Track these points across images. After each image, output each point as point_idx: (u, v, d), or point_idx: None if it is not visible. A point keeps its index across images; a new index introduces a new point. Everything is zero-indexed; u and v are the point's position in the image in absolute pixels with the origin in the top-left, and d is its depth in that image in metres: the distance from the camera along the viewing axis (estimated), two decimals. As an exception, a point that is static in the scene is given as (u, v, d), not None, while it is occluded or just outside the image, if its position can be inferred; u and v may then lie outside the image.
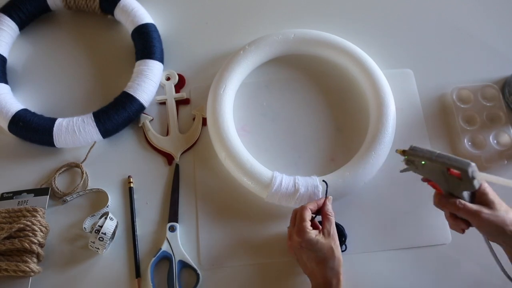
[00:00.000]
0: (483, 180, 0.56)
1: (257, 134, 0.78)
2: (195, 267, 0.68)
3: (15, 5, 0.81)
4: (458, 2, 0.90)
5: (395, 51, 0.85)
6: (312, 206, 0.65)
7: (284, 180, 0.69)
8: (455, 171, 0.56)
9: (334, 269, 0.60)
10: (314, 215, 0.66)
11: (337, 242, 0.62)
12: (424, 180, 0.62)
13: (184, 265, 0.68)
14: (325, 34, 0.81)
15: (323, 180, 0.69)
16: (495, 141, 0.76)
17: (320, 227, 0.63)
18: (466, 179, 0.55)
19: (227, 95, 0.76)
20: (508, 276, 0.59)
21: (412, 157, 0.60)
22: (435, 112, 0.80)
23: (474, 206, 0.57)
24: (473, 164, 0.55)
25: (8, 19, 0.80)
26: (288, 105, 0.80)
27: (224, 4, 0.90)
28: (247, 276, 0.68)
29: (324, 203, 0.65)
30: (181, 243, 0.69)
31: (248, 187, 0.71)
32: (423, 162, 0.59)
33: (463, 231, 0.60)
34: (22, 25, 0.83)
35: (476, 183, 0.55)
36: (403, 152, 0.61)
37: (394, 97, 0.77)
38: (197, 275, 0.67)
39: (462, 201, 0.57)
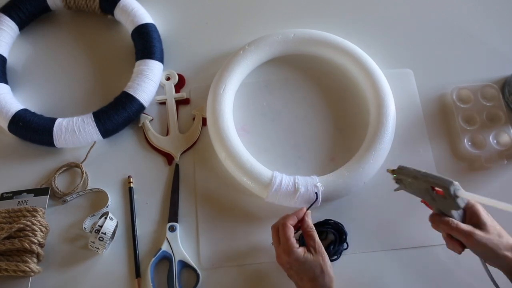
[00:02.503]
0: (467, 198, 0.55)
1: (257, 134, 0.78)
2: (195, 267, 0.68)
3: (15, 5, 0.81)
4: (458, 2, 0.90)
5: (395, 51, 0.85)
6: (292, 220, 0.63)
7: (284, 180, 0.69)
8: (439, 189, 0.56)
9: (326, 286, 0.59)
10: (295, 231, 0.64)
11: (326, 258, 0.61)
12: (422, 201, 0.62)
13: (184, 265, 0.68)
14: (325, 34, 0.81)
15: (315, 192, 0.68)
16: (495, 141, 0.76)
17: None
18: (449, 198, 0.55)
19: (227, 95, 0.76)
20: None
21: (400, 176, 0.61)
22: (435, 112, 0.80)
23: (466, 227, 0.56)
24: (455, 182, 0.54)
25: (8, 19, 0.80)
26: (288, 105, 0.80)
27: (224, 4, 0.90)
28: (247, 276, 0.68)
29: (303, 220, 0.64)
30: (181, 243, 0.69)
31: (248, 187, 0.71)
32: (409, 180, 0.59)
33: (459, 252, 0.59)
34: (22, 25, 0.83)
35: (460, 202, 0.55)
36: (393, 171, 0.62)
37: (394, 97, 0.77)
38: (197, 275, 0.67)
39: (455, 221, 0.57)
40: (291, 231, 0.61)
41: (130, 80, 0.78)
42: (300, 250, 0.60)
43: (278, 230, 0.63)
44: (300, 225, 0.64)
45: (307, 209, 0.65)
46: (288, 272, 0.62)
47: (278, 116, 0.79)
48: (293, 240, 0.61)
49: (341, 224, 0.70)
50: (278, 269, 0.69)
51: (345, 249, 0.69)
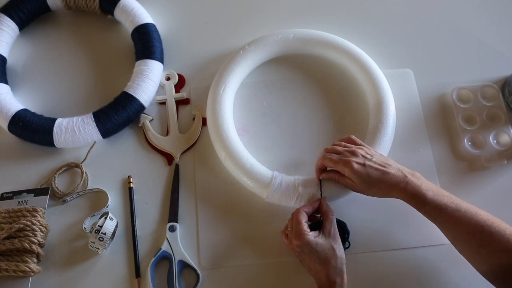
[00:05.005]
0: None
1: (257, 134, 0.78)
2: (195, 267, 0.68)
3: (15, 5, 0.81)
4: (458, 2, 0.90)
5: (395, 51, 0.85)
6: (307, 208, 0.65)
7: (284, 180, 0.69)
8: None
9: (337, 268, 0.60)
10: (319, 217, 0.66)
11: (339, 241, 0.62)
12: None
13: (184, 265, 0.68)
14: (325, 34, 0.81)
15: (319, 179, 0.69)
16: (495, 141, 0.76)
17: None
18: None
19: (227, 95, 0.76)
20: None
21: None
22: (435, 112, 0.80)
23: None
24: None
25: (8, 19, 0.80)
26: (288, 105, 0.80)
27: (224, 4, 0.90)
28: (247, 276, 0.68)
29: (321, 203, 0.66)
30: (181, 243, 0.69)
31: (248, 187, 0.71)
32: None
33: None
34: (22, 25, 0.83)
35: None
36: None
37: (394, 97, 0.77)
38: (197, 275, 0.67)
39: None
40: (303, 216, 0.63)
41: (130, 80, 0.78)
42: (311, 234, 0.61)
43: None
44: (319, 214, 0.66)
45: (321, 196, 0.67)
46: (300, 257, 0.64)
47: (278, 116, 0.79)
48: (305, 225, 0.62)
49: (344, 223, 0.70)
50: (278, 268, 0.69)
51: (346, 248, 0.69)
